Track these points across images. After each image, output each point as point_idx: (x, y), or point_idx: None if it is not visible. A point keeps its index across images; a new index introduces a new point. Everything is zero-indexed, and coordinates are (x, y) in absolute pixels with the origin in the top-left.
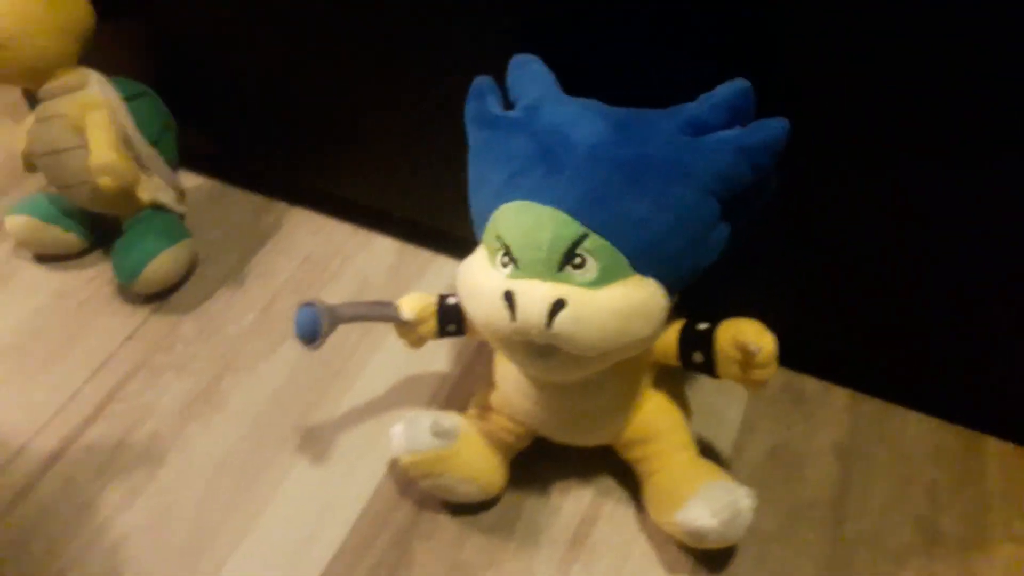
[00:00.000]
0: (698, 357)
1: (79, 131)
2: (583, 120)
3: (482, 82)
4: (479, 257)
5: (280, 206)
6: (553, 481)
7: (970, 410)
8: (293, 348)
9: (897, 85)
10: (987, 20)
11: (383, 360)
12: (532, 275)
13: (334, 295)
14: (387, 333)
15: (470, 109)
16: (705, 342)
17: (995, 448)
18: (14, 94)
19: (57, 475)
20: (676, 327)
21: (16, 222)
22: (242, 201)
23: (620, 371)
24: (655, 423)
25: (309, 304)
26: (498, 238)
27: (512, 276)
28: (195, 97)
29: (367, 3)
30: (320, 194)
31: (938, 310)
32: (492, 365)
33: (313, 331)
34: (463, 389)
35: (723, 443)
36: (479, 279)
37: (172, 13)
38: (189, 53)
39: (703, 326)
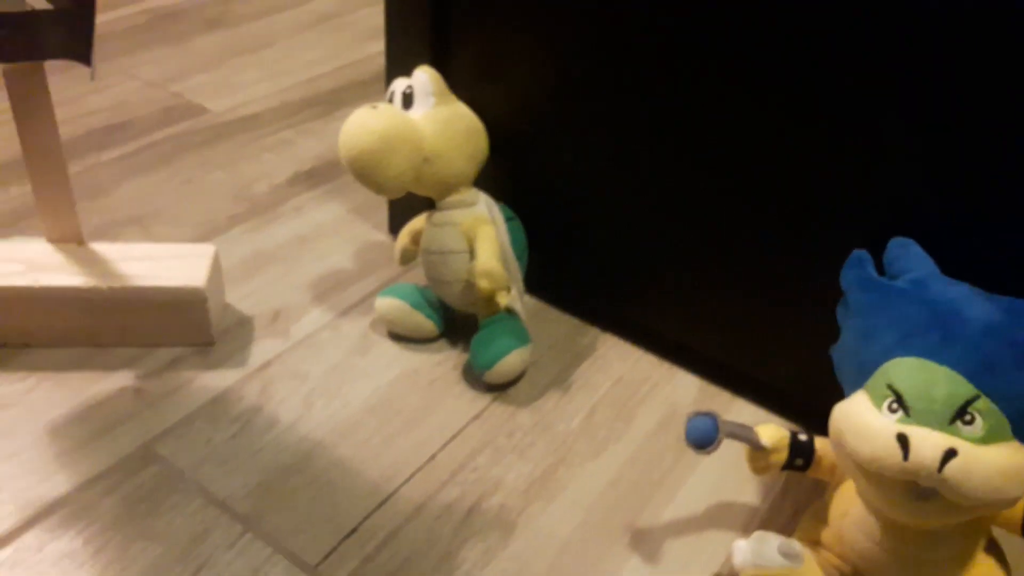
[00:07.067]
0: None
1: (468, 239)
2: (975, 300)
3: (862, 254)
4: (861, 401)
5: (593, 331)
6: None
7: None
8: (615, 455)
9: None
10: None
11: (698, 482)
12: (923, 424)
13: (647, 418)
14: (700, 459)
15: (852, 275)
16: None
17: None
18: None
19: (421, 525)
20: None
21: (386, 303)
22: (560, 321)
23: (964, 528)
24: None
25: (706, 414)
26: (889, 386)
27: (902, 422)
28: (536, 227)
29: (703, 163)
30: (629, 324)
31: None
32: (829, 503)
33: (710, 438)
34: (772, 523)
35: None
36: (867, 419)
37: (539, 158)
38: (542, 191)
39: None
